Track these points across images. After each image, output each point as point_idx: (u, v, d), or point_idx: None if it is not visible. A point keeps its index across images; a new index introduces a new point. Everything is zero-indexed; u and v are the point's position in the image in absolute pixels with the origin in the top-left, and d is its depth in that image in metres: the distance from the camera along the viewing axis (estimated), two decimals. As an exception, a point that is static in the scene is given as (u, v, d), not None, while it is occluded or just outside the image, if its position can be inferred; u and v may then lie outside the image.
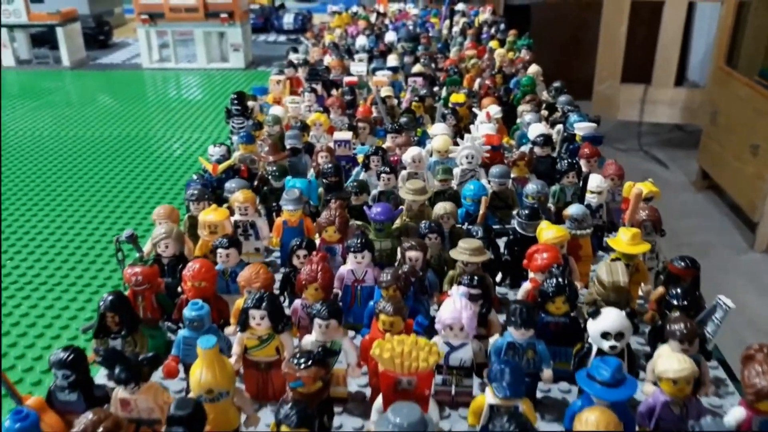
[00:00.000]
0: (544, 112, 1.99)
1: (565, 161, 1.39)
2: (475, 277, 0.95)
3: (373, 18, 3.57)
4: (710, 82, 3.83)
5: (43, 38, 3.47)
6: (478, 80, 2.37)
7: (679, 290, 0.92)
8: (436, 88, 2.46)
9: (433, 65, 2.61)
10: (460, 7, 3.95)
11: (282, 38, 4.20)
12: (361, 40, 2.86)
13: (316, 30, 3.61)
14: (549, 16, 5.86)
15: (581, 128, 1.62)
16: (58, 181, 1.99)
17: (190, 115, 2.64)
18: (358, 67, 2.36)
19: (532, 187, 1.28)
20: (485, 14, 3.64)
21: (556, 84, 2.10)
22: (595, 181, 1.29)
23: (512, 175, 1.46)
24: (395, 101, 2.09)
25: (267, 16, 4.37)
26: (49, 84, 3.11)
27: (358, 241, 1.04)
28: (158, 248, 1.11)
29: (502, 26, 3.16)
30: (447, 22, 3.35)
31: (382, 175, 1.39)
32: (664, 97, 4.26)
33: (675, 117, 4.38)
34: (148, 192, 1.92)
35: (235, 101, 1.79)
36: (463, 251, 1.03)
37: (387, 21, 3.58)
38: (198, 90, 2.99)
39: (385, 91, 2.04)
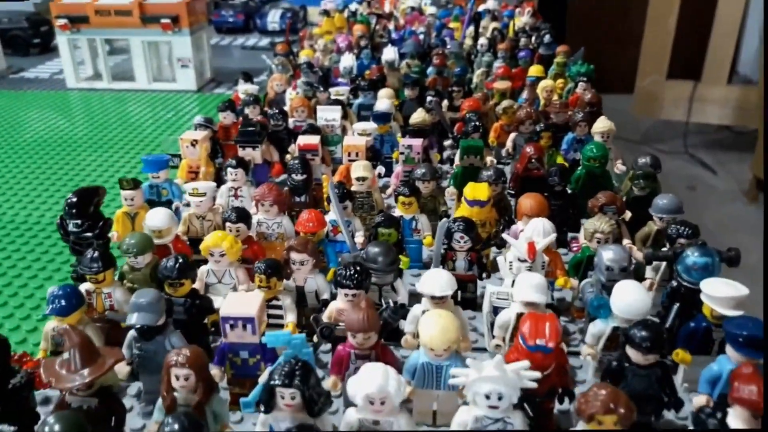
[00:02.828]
0: (627, 214, 1.19)
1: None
2: None
3: (373, 21, 2.78)
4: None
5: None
6: (512, 137, 1.58)
7: None
8: (448, 143, 1.68)
9: (446, 102, 1.82)
10: (490, 4, 3.12)
11: (265, 41, 3.44)
12: (347, 60, 2.08)
13: (299, 34, 2.84)
14: (588, 1, 5.16)
15: (718, 299, 0.84)
16: None
17: (120, 161, 1.90)
18: (328, 113, 1.59)
19: None
20: (523, 17, 2.81)
21: (644, 160, 1.29)
22: None
23: (585, 436, 0.68)
24: (378, 185, 1.32)
25: (249, 12, 3.62)
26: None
27: None
28: None
29: (547, 37, 2.34)
30: (470, 29, 2.54)
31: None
32: (716, 95, 3.93)
33: (726, 118, 4.02)
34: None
35: (73, 208, 1.04)
36: None
37: (392, 26, 2.79)
38: (135, 122, 2.25)
39: (360, 170, 1.26)
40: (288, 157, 1.52)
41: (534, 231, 1.01)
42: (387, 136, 1.62)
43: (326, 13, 2.88)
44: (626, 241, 1.12)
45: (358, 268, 0.90)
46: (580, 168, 1.40)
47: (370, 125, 1.51)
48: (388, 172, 1.60)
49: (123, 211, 1.21)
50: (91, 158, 1.93)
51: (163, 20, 2.32)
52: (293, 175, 1.28)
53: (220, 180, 1.49)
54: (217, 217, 1.20)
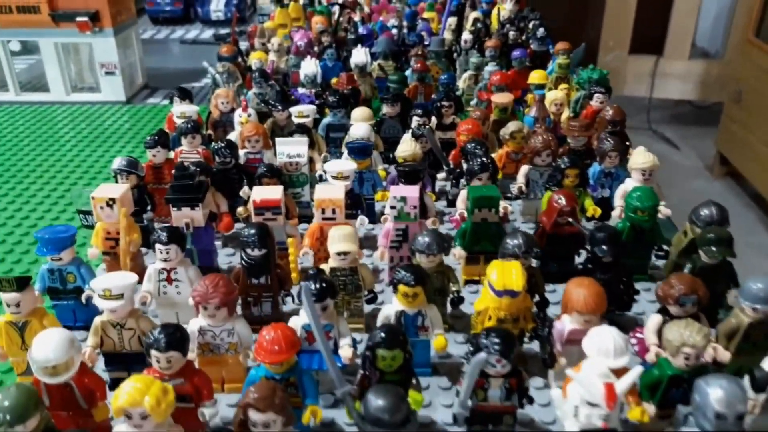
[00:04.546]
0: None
1: None
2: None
3: (335, 11, 2.42)
4: (735, 55, 3.46)
5: None
6: (524, 170, 1.28)
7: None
8: (441, 176, 1.38)
9: (433, 119, 1.51)
10: (464, -13, 2.79)
11: (207, 33, 3.04)
12: (309, 67, 1.74)
13: (248, 29, 2.47)
14: (547, -27, 5.15)
15: None
16: None
17: (35, 196, 1.52)
18: (291, 147, 1.26)
19: None
20: (506, 3, 2.51)
21: (707, 211, 1.02)
22: None
23: None
24: (365, 270, 1.01)
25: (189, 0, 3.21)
26: None
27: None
28: None
29: (540, 31, 2.04)
30: (452, 20, 2.23)
31: None
32: (678, 70, 4.02)
33: (689, 92, 4.12)
34: None
35: None
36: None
37: (357, 17, 2.44)
38: (52, 143, 1.86)
39: (341, 243, 0.95)
40: (240, 210, 1.18)
41: (600, 349, 0.72)
42: (367, 172, 1.30)
43: (279, 1, 2.51)
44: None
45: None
46: (620, 220, 1.12)
47: (348, 165, 1.18)
48: (371, 217, 1.29)
49: (6, 321, 0.87)
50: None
51: (79, 18, 1.92)
52: (248, 250, 0.96)
53: (149, 242, 1.16)
54: (141, 323, 0.87)
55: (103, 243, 1.09)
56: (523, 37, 2.15)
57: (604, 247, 0.93)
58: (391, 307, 0.88)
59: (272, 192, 1.07)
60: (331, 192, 1.07)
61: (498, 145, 1.43)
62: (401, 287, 0.86)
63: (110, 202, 1.05)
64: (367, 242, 1.26)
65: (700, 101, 4.27)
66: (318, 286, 0.82)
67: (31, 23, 1.98)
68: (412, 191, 1.07)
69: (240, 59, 2.00)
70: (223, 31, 2.97)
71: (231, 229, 1.22)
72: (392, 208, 1.07)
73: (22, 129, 1.97)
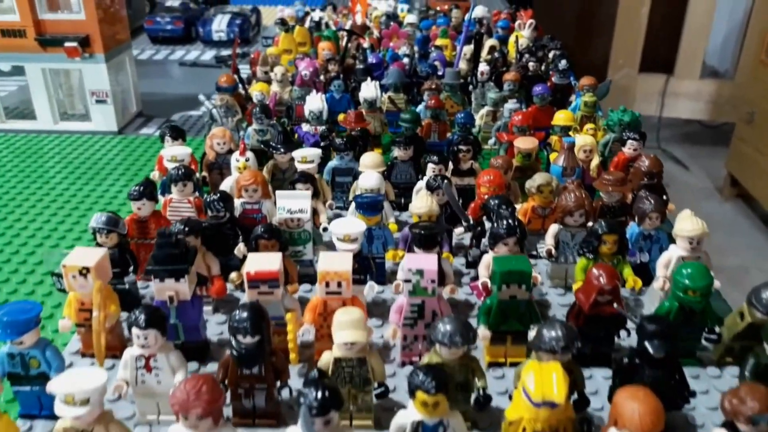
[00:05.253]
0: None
1: None
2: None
3: (343, 36, 2.31)
4: (746, 76, 3.45)
5: None
6: (553, 231, 1.15)
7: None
8: (459, 231, 1.25)
9: (451, 165, 1.38)
10: (478, 11, 2.68)
11: (209, 54, 2.94)
12: (315, 102, 1.62)
13: (251, 55, 2.35)
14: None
15: None
16: None
17: (19, 235, 1.41)
18: (293, 202, 1.14)
19: None
20: (524, 30, 2.39)
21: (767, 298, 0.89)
22: None
23: None
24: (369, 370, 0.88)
25: (190, 19, 3.10)
26: None
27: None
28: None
29: (563, 62, 1.92)
30: (467, 49, 2.11)
31: None
32: (688, 89, 4.02)
33: (699, 112, 4.10)
34: None
35: None
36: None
37: (366, 43, 2.33)
38: (38, 176, 1.75)
39: (348, 333, 0.82)
40: (233, 277, 1.06)
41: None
42: (377, 229, 1.18)
43: (283, 23, 2.40)
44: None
45: None
46: (663, 293, 0.99)
47: (357, 227, 1.05)
48: (381, 278, 1.17)
49: (-50, 425, 0.74)
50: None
51: (68, 44, 1.81)
52: (239, 337, 0.83)
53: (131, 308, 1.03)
54: (112, 429, 0.74)
55: (76, 315, 0.96)
56: (543, 68, 2.04)
57: (656, 342, 0.80)
58: (407, 414, 0.75)
59: (269, 261, 0.94)
60: (336, 263, 0.94)
61: (522, 195, 1.31)
62: (419, 394, 0.73)
63: (84, 272, 0.92)
64: (377, 309, 1.13)
65: (710, 121, 4.28)
66: (319, 395, 0.69)
67: (17, 47, 1.86)
68: (429, 262, 0.94)
69: (241, 88, 1.89)
70: (225, 52, 2.88)
71: (224, 294, 1.10)
72: (407, 281, 0.94)
73: (5, 162, 1.86)
